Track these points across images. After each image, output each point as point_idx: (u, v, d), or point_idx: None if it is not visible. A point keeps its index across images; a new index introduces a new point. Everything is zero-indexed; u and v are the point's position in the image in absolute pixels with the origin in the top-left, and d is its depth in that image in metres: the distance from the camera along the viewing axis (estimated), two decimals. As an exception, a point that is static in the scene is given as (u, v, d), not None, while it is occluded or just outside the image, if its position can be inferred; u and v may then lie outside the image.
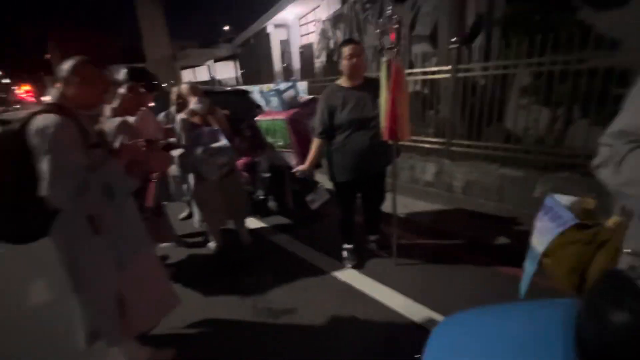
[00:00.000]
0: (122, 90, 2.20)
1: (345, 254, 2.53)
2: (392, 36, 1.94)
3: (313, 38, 10.86)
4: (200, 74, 15.44)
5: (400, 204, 2.46)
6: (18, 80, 64.64)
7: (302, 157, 2.55)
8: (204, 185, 2.51)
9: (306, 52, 11.52)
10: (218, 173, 2.41)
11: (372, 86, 2.13)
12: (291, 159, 2.65)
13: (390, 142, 2.09)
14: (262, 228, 3.22)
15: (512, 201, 3.17)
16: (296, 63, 11.76)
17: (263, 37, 12.46)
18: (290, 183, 2.92)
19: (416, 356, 0.80)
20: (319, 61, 10.14)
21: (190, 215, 3.50)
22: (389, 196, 2.44)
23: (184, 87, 2.59)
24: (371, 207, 2.50)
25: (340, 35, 8.94)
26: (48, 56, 42.58)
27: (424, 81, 4.12)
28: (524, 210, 2.98)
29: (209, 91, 3.33)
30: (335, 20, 9.11)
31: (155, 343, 1.80)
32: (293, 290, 2.27)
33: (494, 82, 3.58)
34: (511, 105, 3.63)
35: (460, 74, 3.52)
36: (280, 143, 2.65)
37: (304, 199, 2.92)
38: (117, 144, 2.00)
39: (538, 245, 1.11)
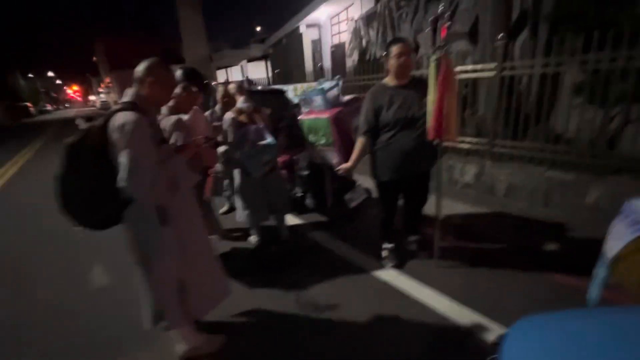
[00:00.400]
0: (177, 89, 2.34)
1: (385, 253, 2.53)
2: (444, 33, 1.91)
3: (345, 37, 10.86)
4: (234, 74, 15.90)
5: (441, 205, 2.42)
6: (68, 81, 69.93)
7: (345, 156, 2.58)
8: (249, 181, 2.60)
9: (338, 51, 11.54)
10: (263, 170, 2.49)
11: (419, 85, 2.11)
12: (333, 157, 2.69)
13: (435, 142, 2.07)
14: (299, 225, 3.28)
15: (561, 206, 3.01)
16: (327, 62, 11.82)
17: (295, 37, 12.63)
18: (330, 181, 2.96)
19: (491, 357, 0.80)
20: (351, 60, 10.12)
21: (229, 210, 3.65)
22: (431, 197, 2.42)
23: (232, 87, 2.70)
24: (413, 207, 2.48)
25: (373, 34, 8.87)
26: (95, 59, 45.62)
27: (462, 80, 4.01)
28: (575, 217, 2.82)
29: (250, 91, 3.46)
30: (369, 19, 9.05)
31: (207, 329, 1.90)
32: (334, 286, 2.31)
33: (541, 80, 3.41)
34: (560, 105, 3.44)
35: (506, 72, 3.39)
36: (322, 141, 2.69)
37: (343, 198, 2.96)
38: (172, 140, 2.14)
39: (611, 250, 1.07)
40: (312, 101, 2.75)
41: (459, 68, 3.82)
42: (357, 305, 2.10)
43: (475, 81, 3.86)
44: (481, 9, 4.42)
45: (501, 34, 3.35)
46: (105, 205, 1.48)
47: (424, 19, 6.90)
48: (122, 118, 1.38)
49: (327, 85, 2.67)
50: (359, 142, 2.25)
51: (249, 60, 16.00)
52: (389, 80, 2.17)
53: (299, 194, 3.46)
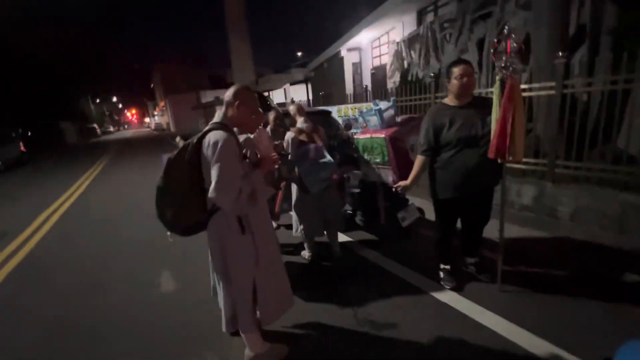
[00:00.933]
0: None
1: (442, 274, 2.47)
2: (508, 52, 1.93)
3: (386, 59, 11.06)
4: (276, 96, 16.82)
5: (494, 227, 2.34)
6: (128, 105, 77.85)
7: (400, 174, 2.61)
8: (306, 197, 2.72)
9: (378, 73, 11.75)
10: (321, 186, 2.60)
11: (482, 104, 2.12)
12: (388, 175, 2.73)
13: (499, 161, 2.04)
14: (349, 242, 3.31)
15: (639, 233, 2.75)
16: (367, 84, 12.04)
17: (336, 61, 13.08)
18: (383, 199, 2.98)
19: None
20: (392, 82, 10.25)
21: (277, 227, 3.77)
22: (493, 219, 2.35)
23: (292, 108, 2.89)
24: (473, 227, 2.42)
25: (415, 56, 8.96)
26: (152, 85, 50.49)
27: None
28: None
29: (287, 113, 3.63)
30: (411, 41, 9.18)
31: (270, 338, 1.97)
32: (390, 304, 2.29)
33: (606, 97, 3.22)
34: (629, 123, 3.21)
35: (569, 90, 3.26)
36: (378, 160, 2.75)
37: (395, 216, 2.96)
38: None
39: None
40: (368, 121, 2.84)
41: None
42: (417, 324, 2.06)
43: (529, 99, 3.74)
44: (535, 26, 4.33)
45: (562, 51, 3.25)
46: (194, 213, 1.65)
47: (469, 40, 6.88)
48: (214, 136, 1.56)
49: (383, 105, 2.76)
50: (418, 160, 2.28)
51: (292, 84, 16.78)
52: (449, 101, 2.21)
53: (349, 212, 3.51)
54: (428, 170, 2.30)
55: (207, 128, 1.63)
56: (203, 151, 1.56)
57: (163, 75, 40.67)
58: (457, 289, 2.37)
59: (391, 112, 2.75)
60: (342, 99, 11.37)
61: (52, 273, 3.30)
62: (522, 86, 3.68)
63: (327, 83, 13.47)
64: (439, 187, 2.26)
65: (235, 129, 2.48)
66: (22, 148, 14.59)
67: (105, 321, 2.42)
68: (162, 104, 44.15)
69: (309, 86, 16.04)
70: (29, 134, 16.67)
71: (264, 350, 1.86)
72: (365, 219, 3.36)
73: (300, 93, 16.69)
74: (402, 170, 2.61)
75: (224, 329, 1.79)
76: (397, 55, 9.77)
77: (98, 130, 42.92)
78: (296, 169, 2.63)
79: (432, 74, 5.50)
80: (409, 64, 9.29)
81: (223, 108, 1.70)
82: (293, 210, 2.85)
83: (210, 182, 1.52)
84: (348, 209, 3.51)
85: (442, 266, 2.47)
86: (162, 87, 39.67)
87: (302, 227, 2.84)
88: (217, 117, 1.70)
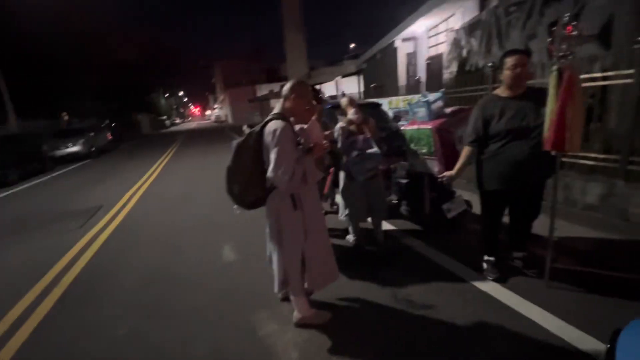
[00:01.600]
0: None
1: (485, 265, 2.48)
2: (567, 38, 1.87)
3: (443, 49, 10.56)
4: (328, 89, 17.09)
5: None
6: (192, 98, 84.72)
7: (446, 165, 2.65)
8: (352, 185, 2.90)
9: (434, 64, 11.28)
10: (366, 175, 2.75)
11: (536, 95, 2.08)
12: (434, 166, 2.78)
13: (553, 153, 2.00)
14: (393, 230, 3.43)
15: None
16: (422, 75, 11.65)
17: (390, 52, 12.82)
18: (429, 190, 3.03)
19: (606, 346, 0.84)
20: (448, 72, 9.79)
21: (326, 212, 4.01)
22: (543, 213, 2.29)
23: (344, 100, 3.06)
24: (522, 220, 2.38)
25: (475, 44, 8.45)
26: (213, 80, 54.14)
27: (588, 89, 3.57)
28: None
29: (334, 105, 3.76)
30: (471, 28, 8.66)
31: (315, 306, 2.22)
32: (430, 289, 2.38)
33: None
34: None
35: (650, 78, 2.93)
36: (424, 151, 2.81)
37: (440, 207, 3.00)
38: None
39: None
40: (416, 112, 2.90)
41: (584, 76, 3.45)
42: (454, 309, 2.14)
43: (604, 90, 3.41)
44: (616, 8, 3.88)
45: (643, 36, 2.92)
46: (256, 191, 1.94)
47: (538, 24, 6.31)
48: (274, 125, 1.82)
49: (431, 97, 2.79)
50: (465, 151, 2.32)
51: (343, 76, 16.88)
52: (501, 92, 2.19)
53: (394, 201, 3.61)
54: (475, 161, 2.32)
55: (268, 118, 1.89)
56: (264, 138, 1.83)
57: (223, 70, 43.48)
58: (501, 280, 2.38)
59: (440, 103, 2.78)
60: (394, 91, 11.18)
61: (140, 238, 3.97)
62: (596, 75, 3.38)
63: (380, 75, 13.30)
64: (486, 178, 2.27)
65: (291, 119, 2.75)
66: (110, 136, 16.95)
67: (184, 277, 2.91)
68: (222, 97, 47.31)
69: (361, 78, 15.97)
70: (113, 124, 19.31)
71: (310, 314, 2.11)
72: (410, 209, 3.43)
73: (351, 85, 16.71)
74: (448, 161, 2.65)
75: (275, 290, 2.08)
76: (456, 43, 9.29)
77: (167, 122, 47.61)
78: (344, 158, 2.82)
79: (492, 63, 5.22)
80: (468, 53, 8.79)
81: (281, 100, 1.95)
82: (340, 195, 3.05)
83: (269, 165, 1.79)
84: (393, 198, 3.60)
85: (485, 257, 2.48)
86: (222, 81, 42.44)
87: (347, 211, 3.03)
88: (277, 108, 1.95)
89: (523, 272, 2.44)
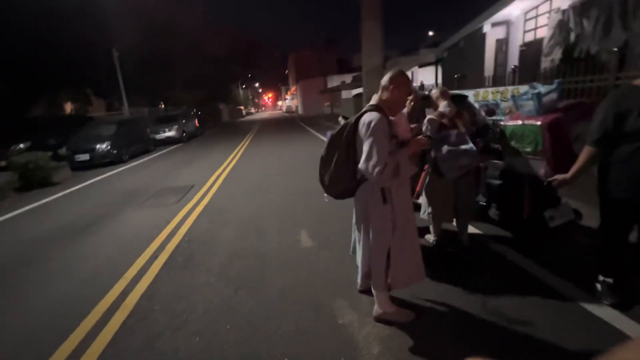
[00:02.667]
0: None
1: (600, 287, 2.12)
2: None
3: (542, 34, 9.21)
4: (401, 80, 16.40)
5: None
6: (266, 89, 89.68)
7: (556, 167, 2.32)
8: (439, 182, 2.73)
9: (529, 51, 9.93)
10: (457, 173, 2.56)
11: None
12: (539, 167, 2.46)
13: None
14: (478, 234, 3.16)
15: None
16: (513, 63, 10.37)
17: (476, 38, 11.68)
18: (529, 193, 2.70)
19: None
20: (549, 60, 8.51)
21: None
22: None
23: (434, 92, 2.89)
24: (658, 239, 1.97)
25: (588, 26, 7.17)
26: (287, 72, 56.28)
27: None
28: None
29: (424, 97, 3.50)
30: (584, 7, 7.36)
31: (395, 303, 2.17)
32: (527, 304, 2.14)
33: None
34: None
35: None
36: (528, 149, 2.50)
37: (542, 214, 2.66)
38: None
39: None
40: (522, 106, 2.58)
41: None
42: (558, 330, 1.89)
43: None
44: None
45: None
46: (346, 181, 1.95)
47: None
48: (369, 117, 1.79)
49: (543, 89, 2.44)
50: (586, 152, 1.98)
51: (420, 66, 15.94)
52: (644, 82, 1.81)
53: (482, 203, 3.31)
54: (599, 164, 1.98)
55: (364, 109, 1.87)
56: (359, 129, 1.82)
57: (296, 62, 44.82)
58: (619, 306, 2.01)
59: (553, 96, 2.41)
60: (478, 82, 10.18)
61: (226, 217, 4.38)
62: None
63: (462, 64, 12.23)
64: (613, 185, 1.92)
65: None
66: (197, 124, 18.96)
67: (266, 257, 3.12)
68: (293, 88, 49.01)
69: (439, 68, 14.89)
70: (199, 113, 21.58)
71: (391, 311, 2.08)
72: (501, 213, 3.11)
73: (428, 76, 15.71)
74: (559, 163, 2.31)
75: (358, 281, 2.09)
76: (561, 26, 8.00)
77: (243, 111, 51.28)
78: (432, 153, 2.67)
79: (613, 48, 4.37)
80: (577, 37, 7.51)
81: (379, 91, 1.91)
82: (423, 192, 2.91)
83: (361, 156, 1.78)
84: (481, 199, 3.31)
85: (601, 278, 2.12)
86: (295, 73, 43.85)
87: (430, 210, 2.88)
88: (374, 99, 1.91)
89: (653, 301, 2.03)
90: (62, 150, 10.80)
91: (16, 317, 2.55)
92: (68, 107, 19.53)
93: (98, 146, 9.95)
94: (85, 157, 9.80)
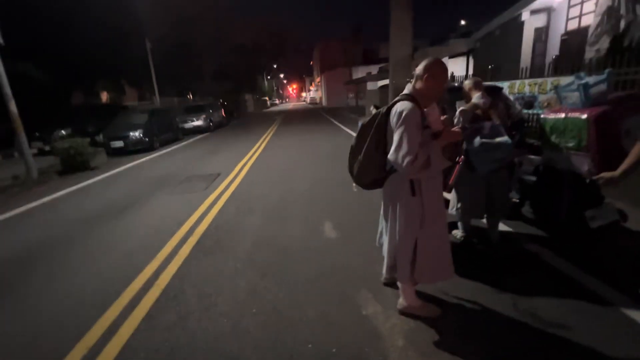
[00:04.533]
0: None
1: (645, 293, 1.98)
2: None
3: (588, 21, 8.53)
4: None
5: None
6: (291, 80, 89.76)
7: (603, 163, 2.16)
8: (471, 176, 2.63)
9: (572, 40, 9.26)
10: (491, 167, 2.46)
11: None
12: (582, 163, 2.30)
13: None
14: (508, 232, 3.03)
15: None
16: (553, 53, 9.73)
17: (513, 27, 11.05)
18: (569, 191, 2.54)
19: None
20: (594, 49, 7.89)
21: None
22: None
23: (467, 83, 2.76)
24: None
25: (642, 11, 6.56)
26: (312, 63, 55.96)
27: None
28: None
29: (453, 88, 3.34)
30: (639, -9, 6.72)
31: (421, 297, 2.14)
32: (562, 306, 2.04)
33: None
34: None
35: None
36: (571, 144, 2.34)
37: (582, 213, 2.50)
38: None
39: None
40: (566, 97, 2.41)
41: None
42: (597, 336, 1.79)
43: None
44: None
45: None
46: (375, 171, 1.92)
47: None
48: (401, 106, 1.74)
49: (591, 79, 2.26)
50: (637, 148, 1.83)
51: (450, 57, 15.32)
52: None
53: (514, 200, 3.17)
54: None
55: (396, 99, 1.82)
56: (390, 119, 1.78)
57: (322, 52, 44.41)
58: (668, 315, 1.88)
59: (602, 87, 2.23)
60: (513, 74, 9.65)
61: (251, 205, 4.47)
62: None
63: (497, 54, 11.63)
64: (668, 185, 1.77)
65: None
66: (223, 114, 19.37)
67: (291, 246, 3.17)
68: (317, 80, 48.74)
69: (470, 59, 14.23)
70: (226, 103, 21.99)
71: (416, 305, 2.05)
72: (536, 211, 2.97)
73: (458, 67, 15.08)
74: (606, 160, 2.15)
75: (383, 271, 2.08)
76: (611, 12, 7.37)
77: (268, 102, 51.75)
78: (464, 145, 2.57)
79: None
80: (628, 24, 6.90)
81: (414, 81, 1.84)
82: (454, 185, 2.82)
83: (391, 147, 1.74)
84: (514, 196, 3.16)
85: (648, 284, 1.98)
86: (320, 63, 43.52)
87: (459, 205, 2.79)
88: (407, 89, 1.86)
89: None
90: (99, 137, 11.43)
91: (60, 291, 2.75)
92: (104, 96, 20.56)
93: (131, 134, 10.42)
94: (119, 144, 10.31)
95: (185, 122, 15.18)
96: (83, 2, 13.86)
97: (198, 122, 15.49)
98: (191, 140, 13.17)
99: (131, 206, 4.86)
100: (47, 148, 11.38)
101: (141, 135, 10.56)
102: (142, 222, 4.17)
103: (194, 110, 16.24)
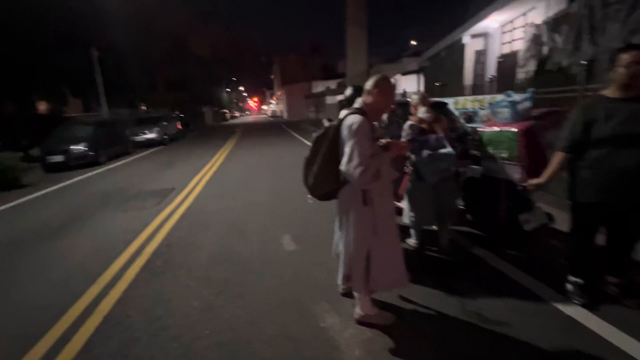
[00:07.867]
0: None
1: (570, 287, 2.22)
2: None
3: (518, 46, 9.66)
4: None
5: None
6: (251, 93, 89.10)
7: (530, 172, 2.42)
8: (420, 186, 2.79)
9: (506, 62, 10.37)
10: (438, 177, 2.63)
11: (657, 98, 1.79)
12: (515, 172, 2.56)
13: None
14: (458, 237, 3.24)
15: None
16: (490, 74, 10.79)
17: (456, 49, 12.10)
18: (505, 198, 2.80)
19: None
20: (524, 71, 8.92)
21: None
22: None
23: (415, 97, 2.96)
24: (622, 242, 2.09)
25: (560, 40, 7.58)
26: (272, 76, 56.15)
27: None
28: None
29: (406, 103, 3.60)
30: (556, 22, 7.78)
31: (376, 305, 2.18)
32: (504, 305, 2.21)
33: None
34: None
35: None
36: (504, 155, 2.60)
37: (516, 217, 2.76)
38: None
39: None
40: (498, 113, 2.69)
41: None
42: (533, 329, 1.96)
43: None
44: None
45: None
46: (329, 183, 1.96)
47: (646, 17, 5.46)
48: (352, 119, 1.82)
49: (518, 97, 2.56)
50: (557, 157, 2.09)
51: (403, 74, 16.33)
52: (611, 92, 1.93)
53: (462, 207, 3.40)
54: (569, 169, 2.08)
55: (347, 112, 1.90)
56: (342, 131, 1.84)
57: (282, 66, 44.87)
58: (590, 306, 2.11)
59: (527, 104, 2.53)
60: (459, 90, 10.51)
61: (207, 220, 4.29)
62: None
63: (443, 73, 12.63)
64: (580, 189, 2.02)
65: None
66: (179, 126, 18.57)
67: (249, 261, 3.08)
68: (279, 93, 48.95)
69: (421, 77, 15.30)
70: (182, 115, 21.17)
71: (373, 313, 2.09)
72: (478, 217, 3.21)
73: (410, 84, 16.11)
74: (533, 168, 2.41)
75: (339, 282, 2.10)
76: (535, 40, 8.42)
77: (228, 115, 50.72)
78: (412, 157, 2.72)
79: (583, 62, 4.64)
80: (549, 50, 7.92)
81: (363, 95, 1.93)
82: (405, 196, 2.96)
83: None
84: (461, 204, 3.40)
85: (572, 279, 2.22)
86: (280, 77, 43.86)
87: (412, 214, 2.93)
88: (357, 103, 1.94)
89: (619, 300, 2.14)
90: (34, 151, 10.31)
91: (-22, 326, 2.39)
92: (42, 106, 18.68)
93: (73, 147, 9.55)
94: (59, 158, 9.37)
95: (137, 134, 14.29)
96: (18, 2, 12.60)
97: (151, 135, 14.66)
98: (144, 154, 12.40)
99: (70, 225, 4.42)
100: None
101: (85, 148, 9.71)
102: (82, 243, 3.80)
103: (147, 122, 15.38)
